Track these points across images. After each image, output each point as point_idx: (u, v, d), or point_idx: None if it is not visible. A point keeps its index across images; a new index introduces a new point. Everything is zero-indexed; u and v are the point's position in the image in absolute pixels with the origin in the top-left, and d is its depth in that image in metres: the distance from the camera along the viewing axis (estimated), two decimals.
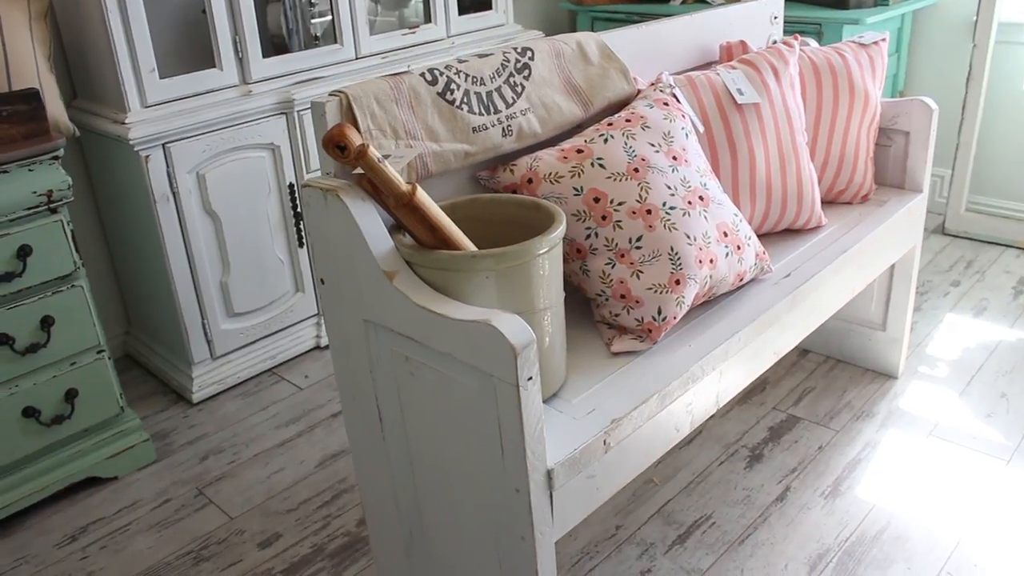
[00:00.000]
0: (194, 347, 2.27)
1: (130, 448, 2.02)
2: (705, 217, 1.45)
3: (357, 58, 2.49)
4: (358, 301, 1.25)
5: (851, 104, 1.87)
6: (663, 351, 1.40)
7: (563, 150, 1.44)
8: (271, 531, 1.81)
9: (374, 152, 1.08)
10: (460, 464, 1.21)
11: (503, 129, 1.40)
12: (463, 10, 2.81)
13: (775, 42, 2.04)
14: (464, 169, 1.44)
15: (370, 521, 1.49)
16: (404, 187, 1.12)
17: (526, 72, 1.45)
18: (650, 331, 1.39)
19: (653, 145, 1.46)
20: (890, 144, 2.01)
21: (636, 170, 1.42)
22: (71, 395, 1.88)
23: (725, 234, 1.47)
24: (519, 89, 1.44)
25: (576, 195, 1.41)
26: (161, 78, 2.10)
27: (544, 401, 1.29)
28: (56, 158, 1.76)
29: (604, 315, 1.45)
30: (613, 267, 1.41)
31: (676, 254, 1.39)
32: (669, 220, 1.40)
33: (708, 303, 1.53)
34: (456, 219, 1.35)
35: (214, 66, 2.20)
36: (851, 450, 1.94)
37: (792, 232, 1.81)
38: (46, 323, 1.81)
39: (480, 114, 1.37)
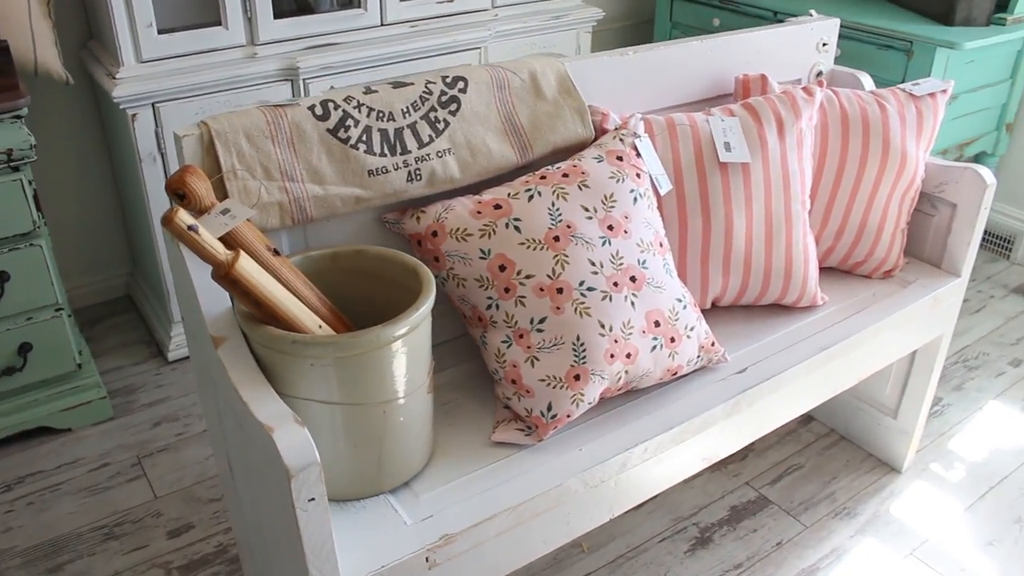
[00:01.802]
0: (174, 306, 2.25)
1: (86, 403, 2.03)
2: (632, 303, 1.25)
3: (382, 25, 2.33)
4: (203, 349, 1.15)
5: (883, 165, 1.58)
6: (550, 449, 1.23)
7: (480, 202, 1.27)
8: (185, 520, 1.79)
9: (183, 219, 0.95)
10: (274, 543, 1.12)
11: (410, 173, 1.24)
12: None
13: (820, 74, 1.75)
14: (369, 210, 1.29)
15: (239, 544, 1.43)
16: (221, 257, 0.99)
17: (453, 106, 1.27)
18: (537, 427, 1.23)
19: (587, 210, 1.27)
20: (934, 214, 1.70)
21: (556, 239, 1.23)
22: (24, 349, 1.90)
23: (656, 324, 1.27)
24: (440, 126, 1.26)
25: (482, 258, 1.24)
26: (160, 33, 2.02)
27: (390, 490, 1.16)
28: (18, 117, 1.72)
29: (499, 394, 1.29)
30: (509, 347, 1.24)
31: (582, 344, 1.21)
32: (582, 303, 1.22)
33: (634, 392, 1.34)
34: (338, 270, 1.22)
35: (219, 23, 2.10)
36: (812, 554, 1.72)
37: (780, 308, 1.57)
38: (2, 278, 1.81)
39: (381, 155, 1.21)
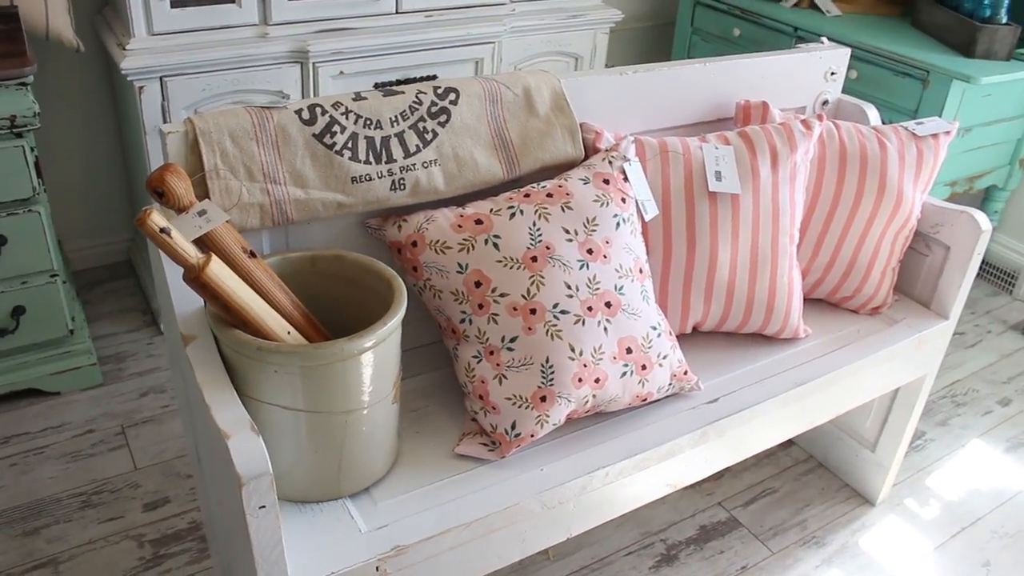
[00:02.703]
0: None
1: (76, 368, 2.07)
2: (605, 328, 1.25)
3: (397, 12, 2.32)
4: (175, 342, 1.17)
5: (877, 203, 1.56)
6: (512, 466, 1.24)
7: (462, 216, 1.27)
8: (162, 494, 1.82)
9: (156, 221, 0.96)
10: (231, 535, 1.14)
11: (394, 182, 1.24)
12: None
13: (825, 103, 1.73)
14: (352, 215, 1.30)
15: (205, 525, 1.45)
16: (193, 260, 1.00)
17: (443, 117, 1.27)
18: (500, 443, 1.24)
19: (567, 232, 1.27)
20: (927, 254, 1.69)
21: (534, 259, 1.24)
22: (17, 312, 1.92)
23: (628, 351, 1.27)
24: (429, 136, 1.26)
25: (459, 273, 1.24)
26: (173, 6, 2.02)
27: (349, 496, 1.18)
28: (24, 84, 1.73)
29: (467, 406, 1.30)
30: (479, 362, 1.25)
31: (550, 367, 1.22)
32: (554, 326, 1.22)
33: (602, 414, 1.35)
34: (316, 273, 1.23)
35: (233, 0, 2.10)
36: None
37: (761, 338, 1.57)
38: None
39: (366, 162, 1.22)
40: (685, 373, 1.36)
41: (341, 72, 2.24)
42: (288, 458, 1.12)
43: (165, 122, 2.07)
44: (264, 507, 0.95)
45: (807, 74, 1.70)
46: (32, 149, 1.80)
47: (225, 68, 2.08)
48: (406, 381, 1.40)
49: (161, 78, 2.02)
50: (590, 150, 1.44)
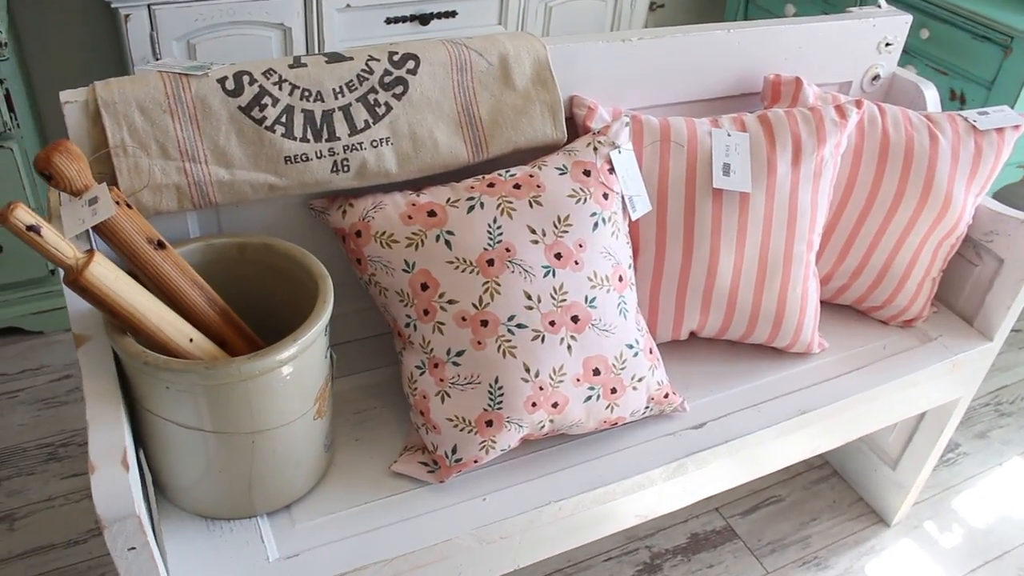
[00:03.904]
0: None
1: (59, 308, 2.00)
2: (569, 346, 1.09)
3: None
4: None
5: (921, 205, 1.34)
6: (451, 492, 1.11)
7: (414, 204, 1.10)
8: None
9: (20, 218, 0.82)
10: None
11: (336, 163, 1.08)
12: None
13: (876, 78, 1.49)
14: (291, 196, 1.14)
15: None
16: (69, 261, 0.86)
17: (398, 88, 1.09)
18: (440, 466, 1.10)
19: (533, 232, 1.09)
20: (977, 264, 1.46)
21: (490, 262, 1.07)
22: None
23: (596, 372, 1.11)
24: (380, 110, 1.09)
25: (405, 271, 1.09)
26: None
27: (269, 512, 1.06)
28: None
29: (411, 418, 1.16)
30: (422, 374, 1.10)
31: (499, 388, 1.07)
32: (508, 341, 1.06)
33: (565, 435, 1.20)
34: (245, 262, 1.09)
35: None
36: None
37: (769, 349, 1.38)
38: None
39: (303, 139, 1.05)
40: (666, 396, 1.20)
41: (348, 5, 2.05)
42: (191, 474, 1.01)
43: (155, 55, 1.93)
44: (134, 548, 0.84)
45: (856, 44, 1.45)
46: (2, 82, 1.68)
47: None
48: (355, 377, 1.27)
49: (149, 6, 1.87)
50: (580, 129, 1.24)
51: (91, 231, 0.96)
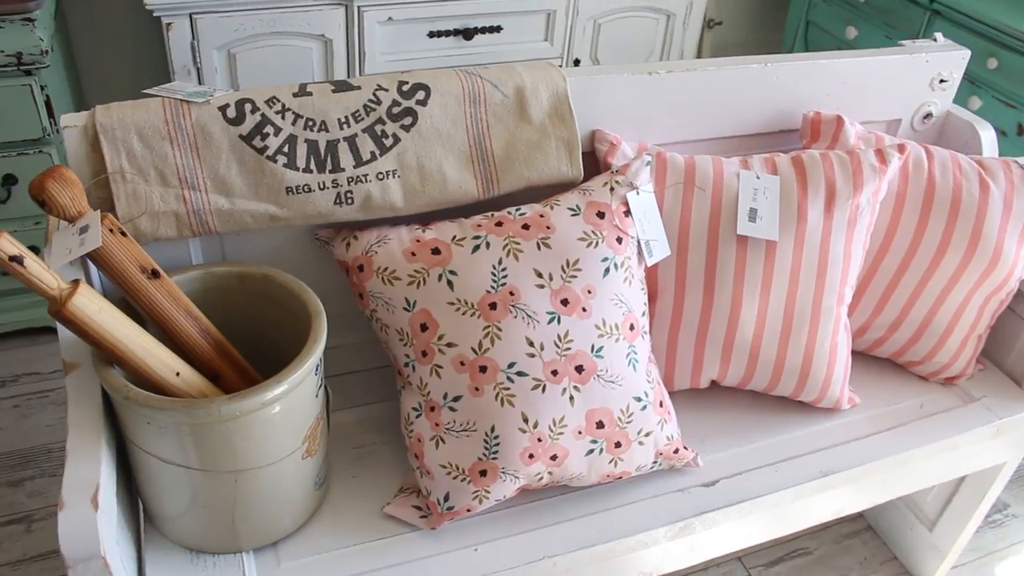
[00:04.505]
0: None
1: None
2: (571, 397, 1.04)
3: None
4: None
5: (967, 258, 1.25)
6: (442, 539, 1.07)
7: (418, 241, 1.07)
8: None
9: (5, 248, 0.81)
10: None
11: (339, 195, 1.05)
12: None
13: (928, 116, 1.40)
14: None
15: None
16: (53, 292, 0.85)
17: (407, 120, 1.06)
18: (432, 513, 1.06)
19: (539, 275, 1.04)
20: None
21: (492, 306, 1.03)
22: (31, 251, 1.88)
23: (599, 425, 1.05)
24: (388, 142, 1.05)
25: (406, 310, 1.05)
26: None
27: (255, 548, 1.04)
28: (29, 20, 1.63)
29: (408, 459, 1.13)
30: (419, 416, 1.07)
31: (495, 437, 1.02)
32: (507, 389, 1.02)
33: (566, 486, 1.14)
34: (245, 291, 1.07)
35: None
36: None
37: (796, 403, 1.31)
38: (7, 181, 1.78)
39: (305, 170, 1.02)
40: (676, 451, 1.13)
41: (390, 18, 2.03)
42: (176, 507, 0.99)
43: (195, 64, 1.94)
44: None
45: (907, 81, 1.36)
46: (42, 88, 1.71)
47: (261, 7, 1.91)
48: (357, 410, 1.24)
49: (191, 15, 1.88)
50: (602, 164, 1.19)
51: (85, 257, 0.95)
